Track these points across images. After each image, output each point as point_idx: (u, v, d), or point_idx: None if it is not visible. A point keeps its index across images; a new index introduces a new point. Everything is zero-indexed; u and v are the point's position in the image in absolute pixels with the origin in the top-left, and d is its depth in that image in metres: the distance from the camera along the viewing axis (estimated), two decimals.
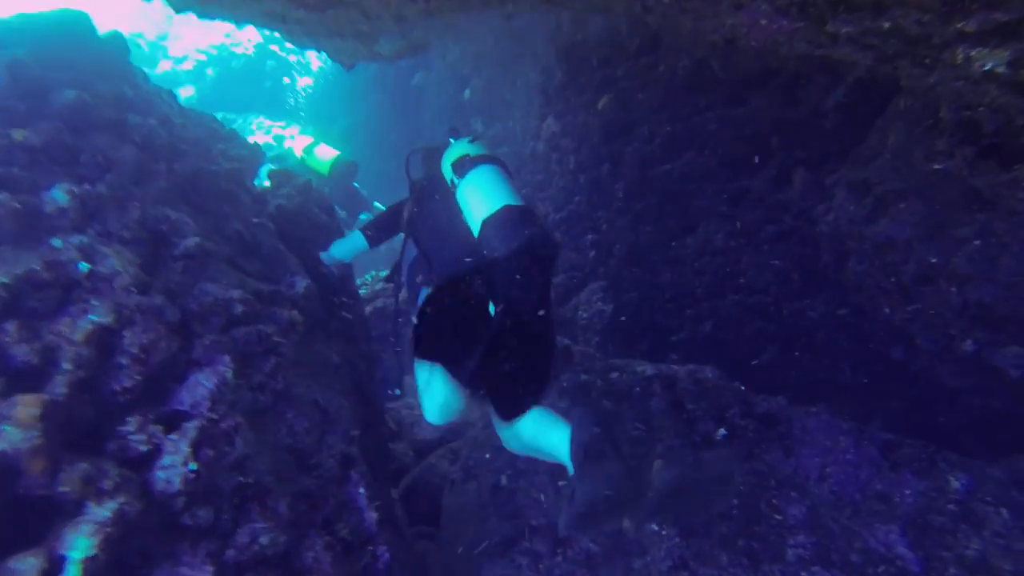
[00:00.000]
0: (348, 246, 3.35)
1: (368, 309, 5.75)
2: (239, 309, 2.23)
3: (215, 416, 1.83)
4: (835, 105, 4.35)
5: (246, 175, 3.84)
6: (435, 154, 2.84)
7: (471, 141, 2.75)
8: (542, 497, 3.46)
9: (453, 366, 2.17)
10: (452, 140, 2.80)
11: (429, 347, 2.18)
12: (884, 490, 2.78)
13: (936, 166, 2.57)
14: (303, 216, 3.49)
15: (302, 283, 2.68)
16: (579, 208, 6.40)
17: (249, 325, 2.22)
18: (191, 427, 1.80)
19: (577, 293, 6.38)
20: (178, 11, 3.64)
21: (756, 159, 4.75)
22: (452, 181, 2.57)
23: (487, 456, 3.80)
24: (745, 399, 3.47)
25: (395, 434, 4.99)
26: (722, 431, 3.26)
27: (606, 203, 5.99)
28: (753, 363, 4.92)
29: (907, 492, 2.72)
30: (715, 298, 5.24)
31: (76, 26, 2.95)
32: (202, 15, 3.77)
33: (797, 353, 4.54)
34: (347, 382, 2.70)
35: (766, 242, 4.85)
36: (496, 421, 2.57)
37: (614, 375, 4.01)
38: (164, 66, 10.45)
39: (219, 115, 6.98)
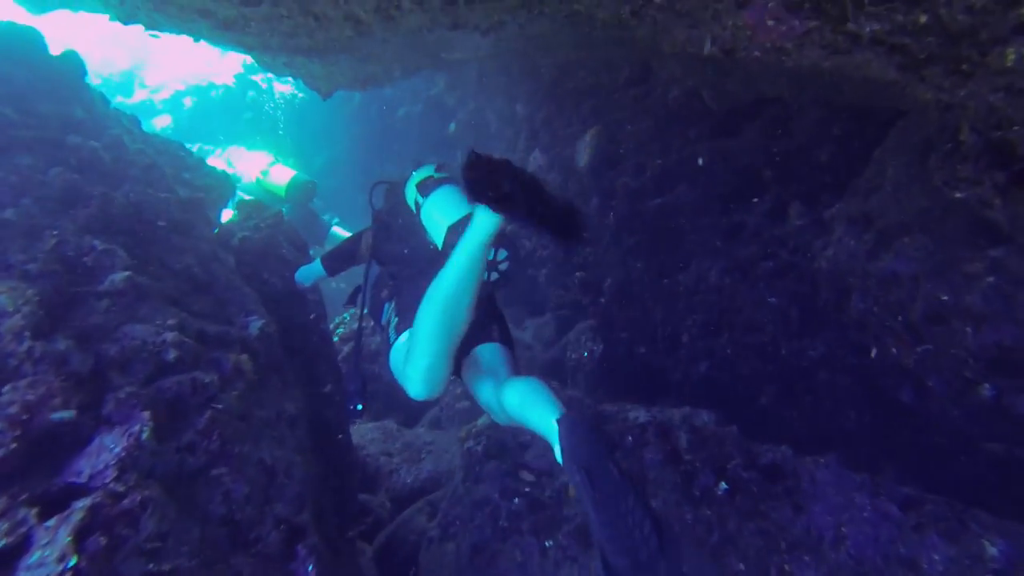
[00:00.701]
0: (308, 272, 3.37)
1: (344, 349, 5.44)
2: (172, 355, 1.93)
3: (120, 489, 1.50)
4: (830, 137, 4.21)
5: (210, 205, 3.60)
6: (399, 184, 2.85)
7: (436, 169, 2.75)
8: (527, 561, 3.12)
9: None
10: (415, 170, 2.79)
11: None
12: (909, 555, 2.48)
13: (958, 195, 2.36)
14: (271, 250, 3.23)
15: (257, 323, 2.39)
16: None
17: (183, 373, 1.93)
18: (79, 508, 1.44)
19: (565, 333, 6.12)
20: (126, 22, 3.43)
21: (755, 200, 4.58)
22: (416, 202, 2.59)
23: (467, 512, 3.47)
24: (747, 449, 3.18)
25: (371, 481, 4.63)
26: (723, 485, 2.96)
27: (595, 238, 5.78)
28: (752, 406, 4.64)
29: (936, 558, 2.42)
30: (710, 337, 4.99)
31: (21, 41, 2.74)
32: (149, 26, 3.57)
33: (798, 396, 4.28)
34: (303, 435, 2.40)
35: (762, 278, 4.63)
36: (481, 387, 2.35)
37: (605, 425, 3.72)
38: (140, 95, 10.26)
39: (196, 145, 6.75)
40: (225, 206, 3.78)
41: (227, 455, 1.82)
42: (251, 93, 10.91)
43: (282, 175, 6.70)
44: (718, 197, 4.79)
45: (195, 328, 2.10)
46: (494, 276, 2.39)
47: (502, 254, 2.34)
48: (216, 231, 3.30)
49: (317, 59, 3.39)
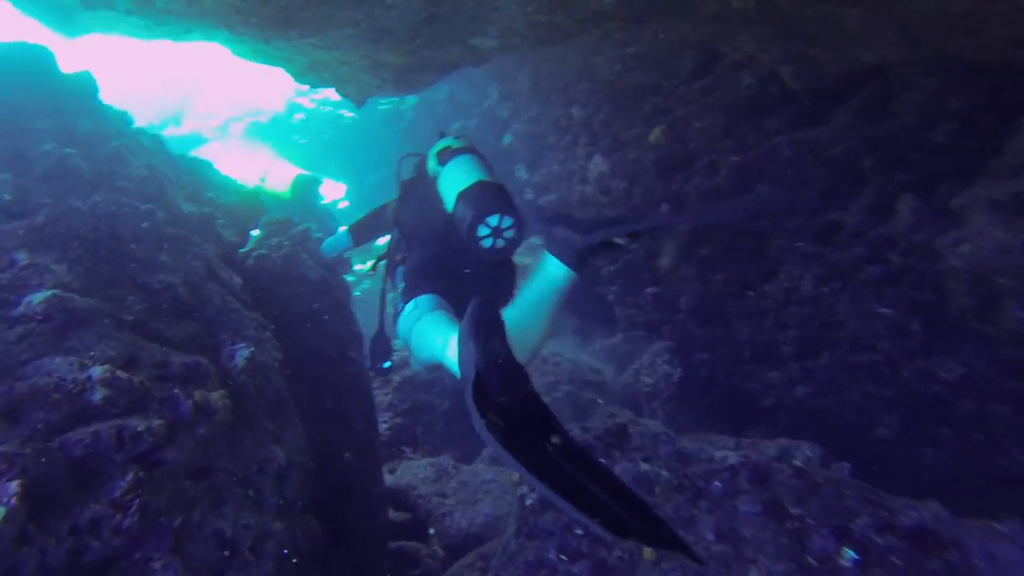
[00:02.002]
0: (334, 243, 3.37)
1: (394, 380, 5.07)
2: (99, 395, 1.53)
3: None
4: (948, 113, 3.47)
5: (236, 223, 3.34)
6: (423, 156, 2.93)
7: (455, 138, 2.79)
8: None
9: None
10: (438, 141, 2.85)
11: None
12: None
13: None
14: (291, 270, 2.89)
15: (244, 352, 2.00)
16: (636, 257, 5.61)
17: (110, 419, 1.55)
18: None
19: (638, 355, 5.51)
20: (149, 37, 3.28)
21: (852, 195, 3.88)
22: (435, 171, 2.63)
23: (520, 570, 2.95)
24: (877, 501, 2.49)
25: (421, 527, 4.19)
26: (849, 554, 2.29)
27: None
28: (865, 439, 3.88)
29: None
30: (807, 356, 4.27)
31: (28, 61, 2.63)
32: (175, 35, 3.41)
33: (931, 429, 3.49)
34: (297, 490, 1.98)
35: (869, 286, 3.90)
36: None
37: (686, 467, 3.11)
38: (189, 125, 10.54)
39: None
40: (257, 225, 3.51)
41: (159, 531, 1.40)
42: (299, 116, 11.04)
43: (283, 177, 6.27)
44: (807, 194, 4.11)
45: (154, 360, 1.73)
46: (499, 243, 2.33)
47: (507, 221, 2.28)
48: (240, 251, 3.01)
49: (319, 36, 3.05)
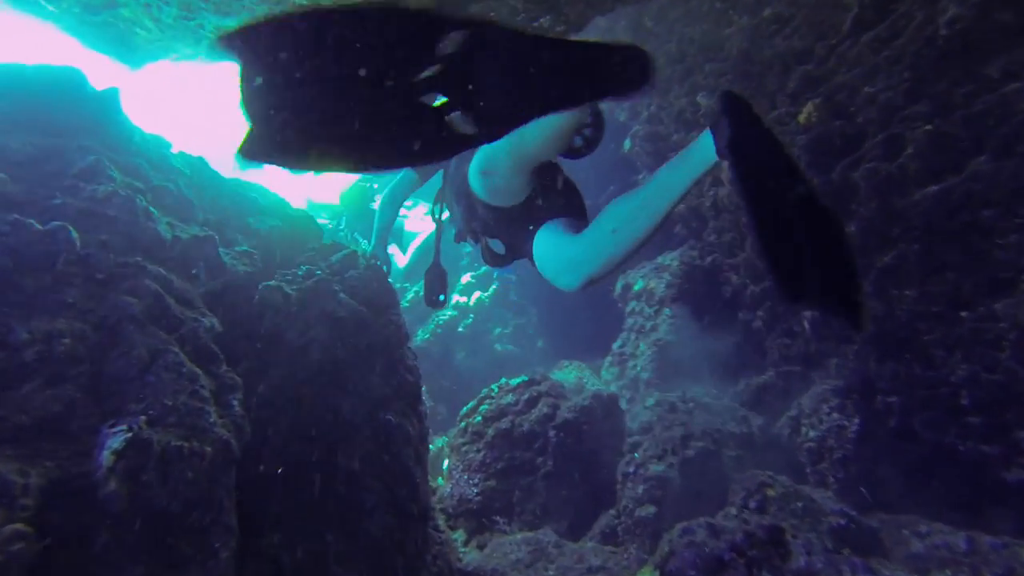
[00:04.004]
0: (398, 186, 3.19)
1: (491, 431, 4.30)
2: None
3: None
4: None
5: (282, 247, 2.85)
6: None
7: None
8: None
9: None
10: None
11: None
12: None
13: None
14: (310, 308, 2.26)
15: (115, 443, 1.29)
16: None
17: None
18: None
19: (796, 398, 4.27)
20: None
21: None
22: None
23: None
24: None
25: None
26: None
27: None
28: None
29: None
30: None
31: (56, 82, 2.41)
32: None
33: None
34: None
35: None
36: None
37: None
38: None
39: None
40: (304, 251, 3.00)
41: None
42: None
43: (334, 187, 5.88)
44: None
45: None
46: (578, 142, 2.24)
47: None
48: (268, 284, 2.46)
49: None
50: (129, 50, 3.88)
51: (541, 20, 2.99)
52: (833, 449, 3.59)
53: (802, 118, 4.09)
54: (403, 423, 2.36)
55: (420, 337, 7.49)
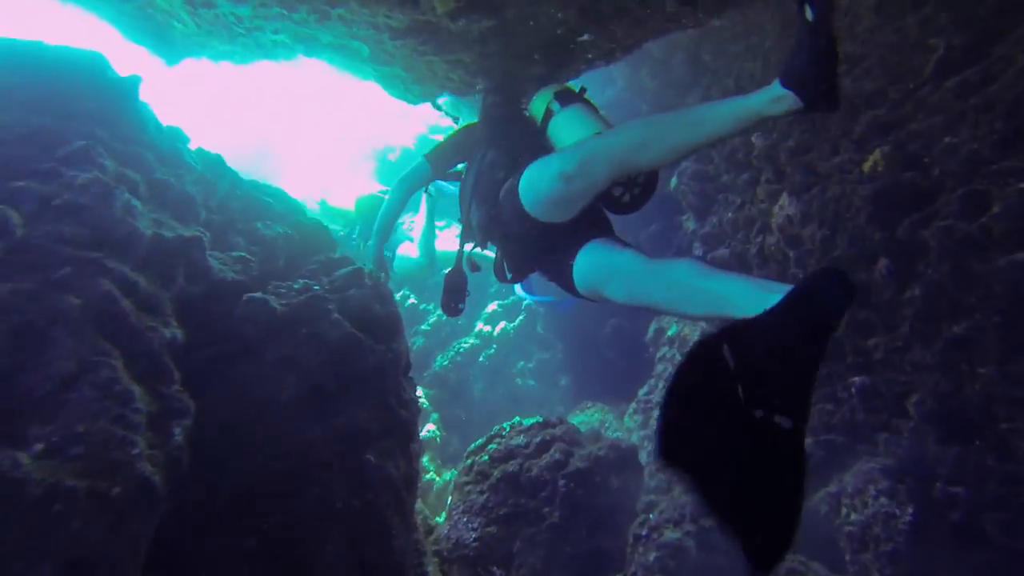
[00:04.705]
0: (412, 173, 3.00)
1: (496, 473, 3.97)
2: None
3: None
4: None
5: (285, 256, 2.65)
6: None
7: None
8: None
9: None
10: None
11: None
12: None
13: None
14: (298, 325, 2.00)
15: None
16: (834, 336, 4.00)
17: None
18: None
19: (836, 473, 3.82)
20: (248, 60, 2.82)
21: None
22: (549, 109, 2.46)
23: None
24: None
25: None
26: None
27: (887, 324, 3.56)
28: None
29: None
30: None
31: (75, 65, 2.34)
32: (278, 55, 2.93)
33: None
34: None
35: None
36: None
37: None
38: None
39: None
40: (311, 263, 2.78)
41: None
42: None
43: (349, 193, 5.62)
44: None
45: None
46: (626, 197, 2.18)
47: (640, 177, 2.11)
48: (253, 295, 2.23)
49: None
50: (165, 43, 3.82)
51: (585, 36, 2.76)
52: (880, 540, 3.14)
53: (867, 166, 3.74)
54: (385, 465, 2.07)
55: (439, 363, 7.23)
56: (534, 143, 2.46)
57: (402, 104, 3.99)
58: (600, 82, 8.92)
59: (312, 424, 1.88)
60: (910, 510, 3.14)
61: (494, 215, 2.33)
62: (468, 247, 2.72)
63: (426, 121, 10.00)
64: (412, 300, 7.82)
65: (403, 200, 3.02)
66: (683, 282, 1.59)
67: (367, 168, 9.76)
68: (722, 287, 1.48)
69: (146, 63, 3.76)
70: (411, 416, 2.53)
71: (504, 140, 2.56)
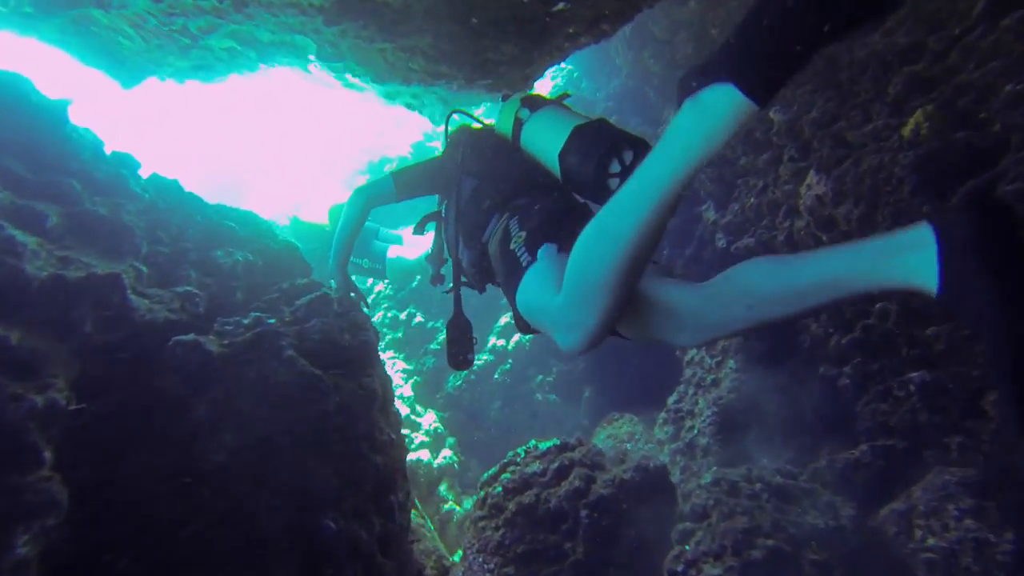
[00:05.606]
0: (375, 185, 2.70)
1: (514, 505, 3.55)
2: None
3: None
4: None
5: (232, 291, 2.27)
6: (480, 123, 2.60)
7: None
8: None
9: None
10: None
11: None
12: None
13: None
14: (244, 369, 1.64)
15: None
16: (884, 321, 3.53)
17: None
18: None
19: (902, 486, 3.30)
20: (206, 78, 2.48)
21: None
22: (517, 118, 2.17)
23: None
24: None
25: None
26: None
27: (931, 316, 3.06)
28: None
29: None
30: None
31: None
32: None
33: None
34: None
35: None
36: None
37: None
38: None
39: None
40: (273, 291, 2.42)
41: None
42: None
43: (322, 206, 5.24)
44: None
45: None
46: (614, 184, 1.82)
47: (628, 156, 1.80)
48: (181, 338, 1.87)
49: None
50: (116, 63, 3.51)
51: (560, 4, 2.36)
52: (973, 573, 2.63)
53: (907, 131, 3.26)
54: (351, 528, 1.68)
55: (451, 384, 6.83)
56: (512, 162, 2.22)
57: (397, 113, 3.69)
58: (605, 74, 8.51)
59: (251, 490, 1.50)
60: (1011, 539, 2.63)
61: (486, 268, 2.06)
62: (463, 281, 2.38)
63: (422, 129, 9.73)
64: (419, 318, 7.45)
65: (362, 214, 2.65)
66: (761, 290, 1.28)
67: (360, 182, 9.51)
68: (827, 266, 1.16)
69: (147, 89, 3.50)
70: (390, 461, 2.13)
71: (477, 165, 2.32)
